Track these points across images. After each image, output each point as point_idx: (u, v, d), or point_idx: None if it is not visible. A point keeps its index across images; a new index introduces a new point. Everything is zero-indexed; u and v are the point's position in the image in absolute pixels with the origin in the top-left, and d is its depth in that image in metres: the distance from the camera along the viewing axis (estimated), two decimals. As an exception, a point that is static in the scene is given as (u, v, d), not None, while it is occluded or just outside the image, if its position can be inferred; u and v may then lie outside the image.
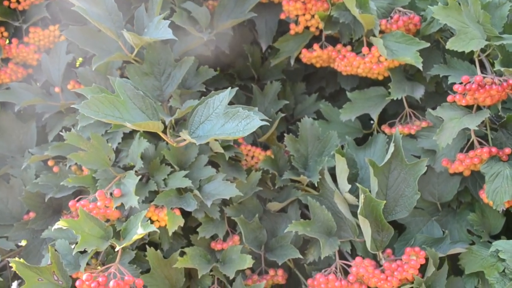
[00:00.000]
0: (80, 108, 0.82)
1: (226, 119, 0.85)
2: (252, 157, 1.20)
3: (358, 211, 0.95)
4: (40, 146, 1.21)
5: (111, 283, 0.89)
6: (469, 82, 0.99)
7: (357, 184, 0.96)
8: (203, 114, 0.88)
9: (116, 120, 0.84)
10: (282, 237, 1.09)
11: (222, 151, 1.06)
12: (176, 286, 1.05)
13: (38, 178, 1.14)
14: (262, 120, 0.82)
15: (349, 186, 1.01)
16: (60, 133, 1.05)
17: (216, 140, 1.03)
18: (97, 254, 1.03)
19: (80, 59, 1.31)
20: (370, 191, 0.97)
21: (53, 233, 1.06)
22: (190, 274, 1.09)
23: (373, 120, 1.22)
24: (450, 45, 0.99)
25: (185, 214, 1.03)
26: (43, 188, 1.15)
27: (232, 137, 0.82)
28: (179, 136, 0.90)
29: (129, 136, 1.15)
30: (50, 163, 1.21)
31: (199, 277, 1.05)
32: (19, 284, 1.20)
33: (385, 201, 0.95)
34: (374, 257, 1.04)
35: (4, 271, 1.21)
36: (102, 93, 0.86)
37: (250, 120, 0.82)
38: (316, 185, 1.10)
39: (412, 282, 1.01)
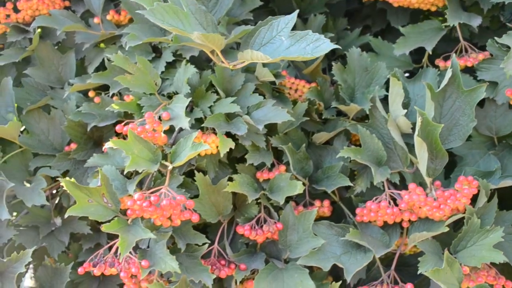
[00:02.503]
0: (146, 14, 0.80)
1: (292, 42, 0.82)
2: (296, 90, 1.17)
3: (415, 134, 0.92)
4: (80, 77, 1.19)
5: (164, 202, 0.87)
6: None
7: (415, 107, 0.93)
8: (266, 36, 0.85)
9: (181, 30, 0.81)
10: (329, 168, 1.07)
11: (271, 78, 1.03)
12: (223, 213, 1.04)
13: (80, 107, 1.12)
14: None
15: (404, 110, 0.98)
16: (107, 55, 1.03)
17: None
18: (140, 183, 1.01)
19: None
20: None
21: (98, 160, 1.05)
22: (234, 205, 1.08)
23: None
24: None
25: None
26: (85, 118, 1.14)
27: (300, 58, 0.79)
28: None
29: (171, 65, 1.13)
30: (90, 94, 1.19)
31: (246, 203, 1.05)
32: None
33: (442, 125, 0.92)
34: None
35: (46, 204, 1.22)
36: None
37: (320, 43, 0.79)
38: (362, 119, 1.08)
39: (463, 213, 0.99)
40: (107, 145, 0.91)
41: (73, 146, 1.18)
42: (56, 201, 1.23)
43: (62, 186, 1.06)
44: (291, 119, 0.99)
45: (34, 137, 1.19)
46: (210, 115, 0.99)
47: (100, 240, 1.17)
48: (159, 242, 0.95)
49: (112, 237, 1.08)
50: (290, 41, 0.81)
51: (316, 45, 0.78)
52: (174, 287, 0.92)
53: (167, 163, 0.92)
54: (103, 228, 0.88)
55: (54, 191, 1.25)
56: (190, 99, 0.97)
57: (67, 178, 0.89)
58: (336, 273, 1.14)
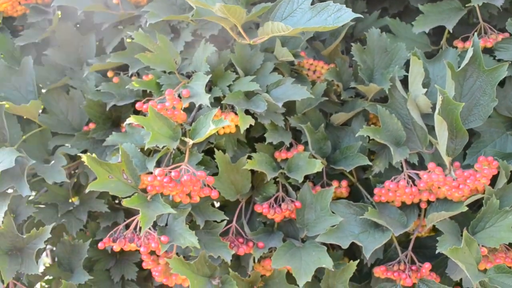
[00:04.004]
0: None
1: (313, 14, 0.82)
2: (314, 71, 1.17)
3: (436, 112, 0.91)
4: (99, 57, 1.19)
5: (185, 177, 0.88)
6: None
7: (436, 86, 0.93)
8: (286, 9, 0.85)
9: (203, 3, 0.81)
10: (347, 148, 1.07)
11: (290, 57, 1.03)
12: (241, 191, 1.04)
13: (99, 86, 1.13)
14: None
15: (424, 90, 0.97)
16: (128, 32, 1.03)
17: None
18: (158, 163, 1.02)
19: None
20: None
21: (117, 139, 1.06)
22: (252, 185, 1.08)
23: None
24: None
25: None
26: (104, 97, 1.15)
27: (322, 29, 0.78)
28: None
29: (190, 46, 1.13)
30: (109, 74, 1.20)
31: (264, 183, 1.05)
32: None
33: (463, 103, 0.91)
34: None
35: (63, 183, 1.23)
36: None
37: (342, 13, 0.79)
38: (380, 101, 1.07)
39: (482, 193, 0.98)
40: (128, 121, 0.91)
41: (92, 126, 1.19)
42: (74, 181, 1.24)
43: (82, 163, 1.08)
44: (311, 96, 0.99)
45: (53, 116, 1.20)
46: (230, 93, 0.99)
47: (117, 219, 1.18)
48: (178, 219, 0.96)
49: (129, 216, 1.09)
50: (311, 13, 0.81)
51: (337, 15, 0.78)
52: (193, 262, 0.93)
53: (187, 139, 0.92)
54: (124, 202, 0.89)
55: (72, 172, 1.26)
56: (210, 76, 0.97)
57: (88, 154, 0.90)
58: (351, 254, 1.14)
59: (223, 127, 1.02)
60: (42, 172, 1.08)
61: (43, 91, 1.23)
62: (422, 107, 1.00)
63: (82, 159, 0.90)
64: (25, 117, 1.27)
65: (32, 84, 1.18)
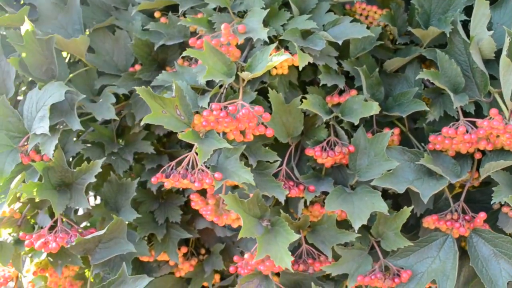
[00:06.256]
0: None
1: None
2: (367, 16, 1.14)
3: (503, 55, 0.88)
4: (146, -4, 1.17)
5: (243, 111, 0.86)
6: None
7: (504, 27, 0.89)
8: None
9: None
10: (401, 94, 1.04)
11: (345, -3, 0.99)
12: (292, 134, 1.02)
13: (148, 25, 1.11)
14: None
15: (490, 32, 0.93)
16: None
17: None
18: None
19: None
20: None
21: (167, 78, 1.04)
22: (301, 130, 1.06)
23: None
24: None
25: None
26: (152, 37, 1.13)
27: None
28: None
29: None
30: (156, 14, 1.17)
31: (315, 127, 1.03)
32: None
33: (533, 44, 0.87)
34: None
35: (109, 124, 1.22)
36: None
37: None
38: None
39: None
40: (185, 53, 0.89)
41: (137, 67, 1.17)
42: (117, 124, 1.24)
43: (128, 104, 1.07)
44: (371, 35, 0.96)
45: (99, 56, 1.18)
46: (286, 30, 0.96)
47: (162, 162, 1.18)
48: (230, 158, 0.94)
49: (173, 160, 1.08)
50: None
51: None
52: (246, 201, 0.91)
53: (245, 73, 0.90)
54: (180, 135, 0.87)
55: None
56: (267, 10, 0.94)
57: (143, 87, 0.88)
58: (397, 208, 1.12)
59: (276, 68, 1.00)
60: (91, 109, 1.07)
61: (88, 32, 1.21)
62: (485, 52, 0.97)
63: (129, 100, 0.89)
64: (70, 59, 1.26)
65: (79, 22, 1.16)
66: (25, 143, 1.03)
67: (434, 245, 1.01)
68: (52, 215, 1.09)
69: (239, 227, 0.90)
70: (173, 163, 0.94)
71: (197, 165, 0.90)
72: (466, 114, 1.02)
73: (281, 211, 0.96)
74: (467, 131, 0.96)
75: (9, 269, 1.09)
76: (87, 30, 1.21)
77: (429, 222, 1.02)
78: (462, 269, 1.11)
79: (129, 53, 1.18)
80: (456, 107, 0.99)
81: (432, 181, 0.98)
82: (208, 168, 0.92)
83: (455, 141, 0.97)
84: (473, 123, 0.97)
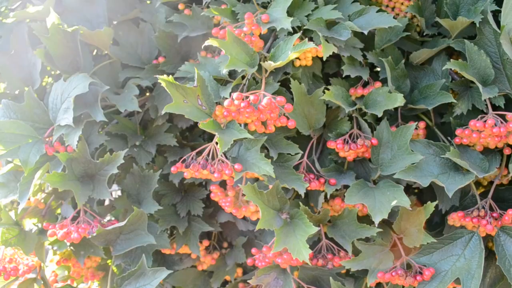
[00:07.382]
0: None
1: None
2: (393, 8, 1.11)
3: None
4: (171, -12, 1.17)
5: (265, 100, 0.85)
6: None
7: (536, 15, 0.86)
8: None
9: None
10: (427, 87, 1.01)
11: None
12: (314, 126, 1.01)
13: (171, 17, 1.11)
14: None
15: (522, 21, 0.90)
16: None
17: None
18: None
19: None
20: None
21: (190, 68, 1.04)
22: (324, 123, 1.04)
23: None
24: None
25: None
26: (176, 28, 1.13)
27: None
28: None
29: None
30: (180, 6, 1.17)
31: (337, 119, 1.01)
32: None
33: None
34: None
35: (132, 116, 1.23)
36: None
37: None
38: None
39: None
40: (207, 43, 0.89)
41: (161, 60, 1.18)
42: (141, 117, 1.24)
43: (151, 97, 1.07)
44: (398, 24, 0.93)
45: (124, 49, 1.19)
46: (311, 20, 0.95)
47: (184, 154, 1.17)
48: (251, 149, 0.93)
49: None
50: None
51: None
52: (265, 192, 0.90)
53: (268, 63, 0.88)
54: (200, 125, 0.87)
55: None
56: (291, 0, 0.93)
57: (165, 75, 0.88)
58: (421, 204, 1.10)
59: (299, 59, 0.99)
60: (115, 101, 1.08)
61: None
62: (517, 42, 0.93)
63: (152, 93, 0.89)
64: (94, 52, 1.27)
65: (103, 15, 1.17)
66: (50, 134, 1.04)
67: (459, 243, 0.98)
68: (75, 205, 1.11)
69: (260, 220, 0.89)
70: (193, 153, 0.93)
71: (217, 155, 0.90)
72: (495, 108, 0.99)
73: (301, 204, 0.94)
74: (495, 124, 0.93)
75: (33, 258, 1.10)
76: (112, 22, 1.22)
77: (454, 219, 0.99)
78: (488, 270, 1.07)
79: (153, 46, 1.19)
80: (485, 100, 0.96)
81: (458, 175, 0.95)
82: (229, 159, 0.92)
83: (483, 134, 0.94)
84: (503, 117, 0.94)
